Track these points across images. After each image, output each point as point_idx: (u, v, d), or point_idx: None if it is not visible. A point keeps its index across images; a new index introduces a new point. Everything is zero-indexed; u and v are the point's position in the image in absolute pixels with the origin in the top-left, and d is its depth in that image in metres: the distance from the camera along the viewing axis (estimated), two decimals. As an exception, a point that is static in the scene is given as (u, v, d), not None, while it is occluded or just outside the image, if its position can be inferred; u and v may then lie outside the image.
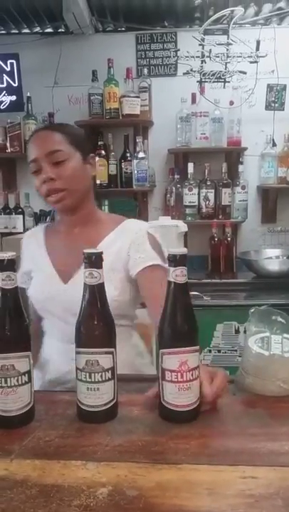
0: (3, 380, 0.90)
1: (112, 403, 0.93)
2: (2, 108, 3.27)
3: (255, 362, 1.03)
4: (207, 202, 3.15)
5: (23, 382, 0.92)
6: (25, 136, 3.17)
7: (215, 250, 3.13)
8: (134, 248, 1.35)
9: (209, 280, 2.97)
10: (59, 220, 1.50)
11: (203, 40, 2.93)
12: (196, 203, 3.15)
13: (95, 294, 0.92)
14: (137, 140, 3.11)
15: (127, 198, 3.26)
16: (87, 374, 0.91)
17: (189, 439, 0.87)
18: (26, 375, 0.92)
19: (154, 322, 1.23)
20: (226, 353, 2.66)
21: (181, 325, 0.90)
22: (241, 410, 0.97)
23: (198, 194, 3.14)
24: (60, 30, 3.30)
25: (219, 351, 2.66)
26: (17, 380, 0.91)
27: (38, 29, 3.32)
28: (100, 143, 3.14)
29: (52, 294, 1.37)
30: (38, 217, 3.23)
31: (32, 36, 3.30)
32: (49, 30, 3.31)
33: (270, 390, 1.01)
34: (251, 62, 2.97)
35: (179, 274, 0.89)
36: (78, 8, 2.93)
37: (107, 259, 1.26)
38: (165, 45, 3.25)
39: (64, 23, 3.19)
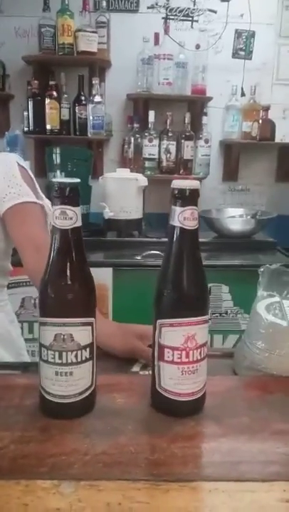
0: None
1: (89, 391, 0.68)
2: None
3: (269, 333, 0.81)
4: (168, 155, 2.89)
5: None
6: None
7: (175, 208, 2.89)
8: (6, 183, 1.15)
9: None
10: None
11: (170, -29, 2.62)
12: (157, 156, 2.88)
13: (69, 241, 0.65)
14: (93, 82, 2.76)
15: (80, 147, 2.95)
16: (57, 353, 0.65)
17: (198, 440, 0.64)
18: None
19: (29, 271, 1.07)
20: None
21: (190, 286, 0.65)
22: (256, 397, 0.75)
23: (159, 146, 2.87)
24: None
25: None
26: None
27: None
28: (51, 83, 2.77)
29: None
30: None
31: None
32: None
33: (290, 369, 0.80)
34: (222, 1, 2.70)
35: (188, 217, 0.64)
36: None
37: None
38: (127, -24, 2.89)
39: None
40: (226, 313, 2.34)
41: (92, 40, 2.73)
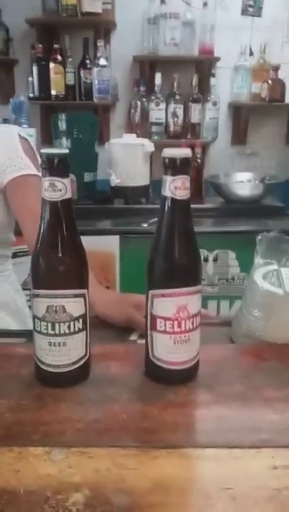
0: None
1: (83, 360, 0.69)
2: None
3: (265, 302, 0.81)
4: (175, 119, 2.84)
5: None
6: None
7: (183, 173, 2.85)
8: (6, 155, 1.14)
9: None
10: None
11: None
12: (164, 120, 2.83)
13: (59, 213, 0.65)
14: (98, 44, 2.70)
15: (86, 113, 2.90)
16: (50, 324, 0.66)
17: (189, 407, 0.65)
18: None
19: (27, 242, 1.09)
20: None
21: (181, 257, 0.65)
22: (250, 364, 0.76)
23: (166, 110, 2.82)
24: None
25: (186, 281, 2.47)
26: None
27: None
28: (55, 46, 2.72)
29: None
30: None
31: None
32: None
33: (286, 336, 0.80)
34: None
35: (179, 186, 0.63)
36: None
37: None
38: None
39: None
40: (233, 279, 2.35)
41: (97, 0, 2.65)
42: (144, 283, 0.68)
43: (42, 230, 0.66)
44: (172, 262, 0.65)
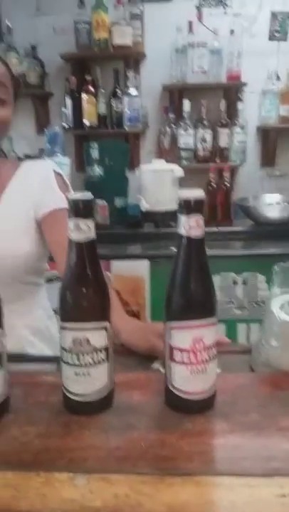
0: None
1: (106, 390, 0.74)
2: (-23, 39, 2.92)
3: (282, 332, 0.84)
4: (204, 144, 2.90)
5: None
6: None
7: (212, 196, 2.88)
8: (42, 189, 1.23)
9: (205, 228, 2.73)
10: None
11: None
12: (192, 145, 2.89)
13: (84, 253, 0.70)
14: (128, 75, 2.81)
15: (117, 140, 2.99)
16: (75, 355, 0.71)
17: (206, 436, 0.68)
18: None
19: (59, 267, 1.15)
20: (222, 305, 2.49)
21: (196, 291, 0.69)
22: (266, 393, 0.78)
23: (195, 135, 2.88)
24: None
25: (216, 304, 2.49)
26: None
27: None
28: (87, 78, 2.83)
29: None
30: (22, 163, 2.96)
31: None
32: None
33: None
34: (256, -16, 2.65)
35: (193, 226, 0.68)
36: None
37: (17, 208, 1.21)
38: None
39: None
40: (263, 302, 2.35)
41: (127, 33, 2.76)
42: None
43: (68, 267, 0.71)
44: (187, 296, 0.69)
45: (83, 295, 0.71)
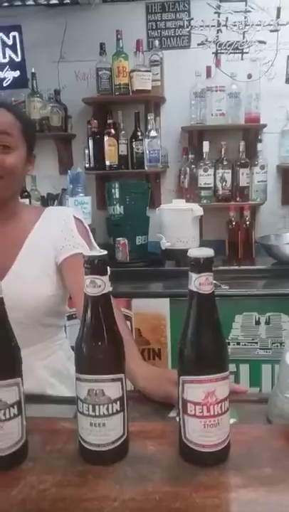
0: None
1: (120, 440, 0.75)
2: (5, 85, 3.06)
3: (296, 384, 0.85)
4: (224, 183, 2.94)
5: (12, 415, 0.74)
6: (30, 115, 2.97)
7: (232, 235, 2.91)
8: (63, 235, 1.29)
9: (227, 267, 2.75)
10: None
11: (218, 7, 2.72)
12: (212, 185, 2.94)
13: (99, 307, 0.73)
14: (149, 118, 2.89)
15: (137, 181, 3.07)
16: (90, 406, 0.73)
17: (219, 490, 0.69)
18: (15, 406, 0.75)
19: (79, 311, 1.16)
20: (245, 345, 2.48)
21: (208, 347, 0.72)
22: (282, 446, 0.79)
23: (214, 175, 2.93)
24: (65, 1, 3.06)
25: (238, 343, 2.48)
26: (4, 414, 0.73)
27: (42, 0, 3.09)
28: (109, 121, 2.93)
29: None
30: (46, 201, 3.05)
31: (36, 8, 3.06)
32: (54, 1, 3.08)
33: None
34: (271, 31, 2.75)
35: (203, 283, 0.70)
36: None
37: (40, 253, 1.26)
38: (178, 15, 2.99)
39: (69, -6, 2.97)
40: (286, 342, 2.33)
41: (147, 78, 2.86)
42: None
43: (83, 320, 0.74)
44: (199, 351, 0.71)
45: (98, 349, 0.73)
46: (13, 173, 1.21)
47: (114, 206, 2.87)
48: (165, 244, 2.70)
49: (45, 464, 0.76)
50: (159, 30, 3.01)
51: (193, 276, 0.71)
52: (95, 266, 0.72)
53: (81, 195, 2.81)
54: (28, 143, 1.26)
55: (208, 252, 0.71)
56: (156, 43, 2.96)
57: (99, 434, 0.74)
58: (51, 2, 3.07)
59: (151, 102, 2.95)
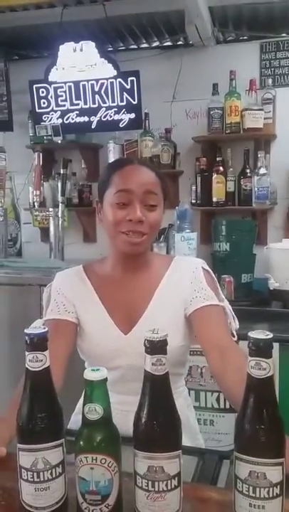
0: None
1: (178, 515, 0.77)
2: (121, 126, 3.22)
3: None
4: None
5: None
6: (142, 154, 3.11)
7: None
8: (192, 287, 1.30)
9: None
10: (112, 263, 1.36)
11: None
12: None
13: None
14: (259, 155, 2.86)
15: (244, 219, 3.04)
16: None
17: None
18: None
19: (214, 374, 1.19)
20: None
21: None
22: None
23: None
24: (179, 43, 3.18)
25: None
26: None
27: (156, 43, 3.24)
28: (218, 159, 2.96)
29: (111, 347, 1.28)
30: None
31: (151, 51, 3.21)
32: (168, 43, 3.21)
33: None
34: None
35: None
36: (201, 21, 2.78)
37: (169, 303, 1.29)
38: (292, 53, 2.95)
39: (184, 36, 3.07)
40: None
41: (258, 117, 2.84)
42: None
43: (245, 401, 0.76)
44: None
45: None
46: (156, 229, 1.29)
47: (221, 243, 2.87)
48: (274, 284, 2.64)
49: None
50: (272, 69, 3.00)
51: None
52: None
53: (188, 231, 2.86)
54: (165, 198, 1.32)
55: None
56: (270, 81, 2.95)
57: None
58: (165, 44, 3.21)
59: (262, 140, 2.93)
